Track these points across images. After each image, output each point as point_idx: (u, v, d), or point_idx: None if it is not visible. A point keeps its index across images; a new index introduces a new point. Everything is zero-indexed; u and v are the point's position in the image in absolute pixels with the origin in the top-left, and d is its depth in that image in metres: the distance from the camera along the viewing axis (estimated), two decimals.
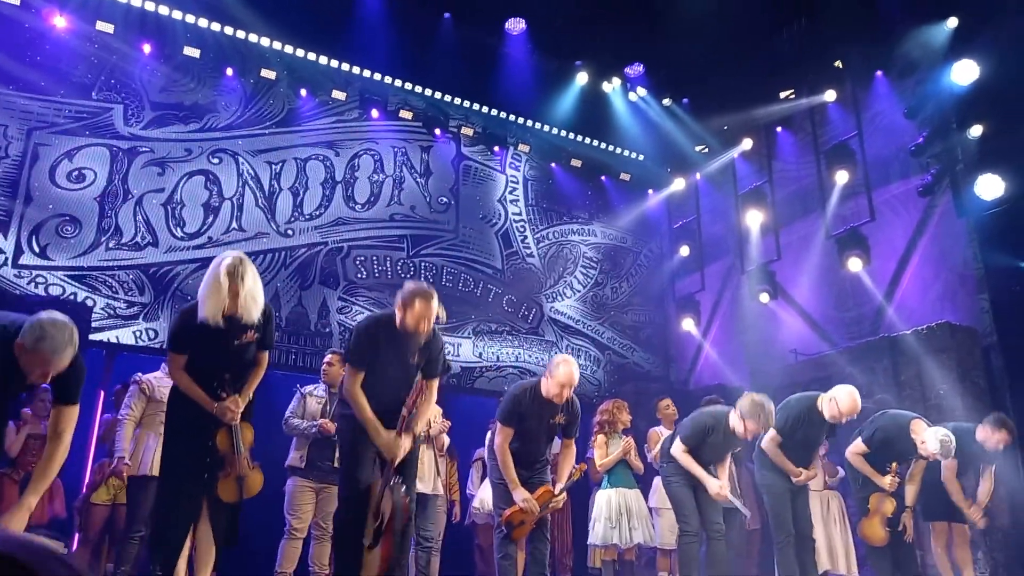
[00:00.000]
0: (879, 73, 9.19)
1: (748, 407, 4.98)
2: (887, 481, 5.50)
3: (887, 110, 9.10)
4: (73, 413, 3.18)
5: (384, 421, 3.78)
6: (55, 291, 7.71)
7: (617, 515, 5.97)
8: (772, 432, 5.36)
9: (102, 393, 7.43)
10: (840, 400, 5.32)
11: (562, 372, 4.53)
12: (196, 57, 8.90)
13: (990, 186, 7.76)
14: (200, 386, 3.62)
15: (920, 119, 8.61)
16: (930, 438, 5.36)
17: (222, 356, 3.65)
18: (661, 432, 6.64)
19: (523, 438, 4.59)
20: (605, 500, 6.09)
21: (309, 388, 5.91)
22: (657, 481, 6.50)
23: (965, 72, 8.04)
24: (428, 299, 3.77)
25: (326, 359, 5.98)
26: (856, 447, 5.72)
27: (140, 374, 5.51)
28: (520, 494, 4.41)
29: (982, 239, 7.90)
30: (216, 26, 8.89)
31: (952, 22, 8.38)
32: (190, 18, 8.75)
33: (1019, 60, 7.59)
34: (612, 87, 10.78)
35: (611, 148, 11.67)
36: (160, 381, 5.34)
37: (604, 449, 6.18)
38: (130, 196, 8.38)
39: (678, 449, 5.24)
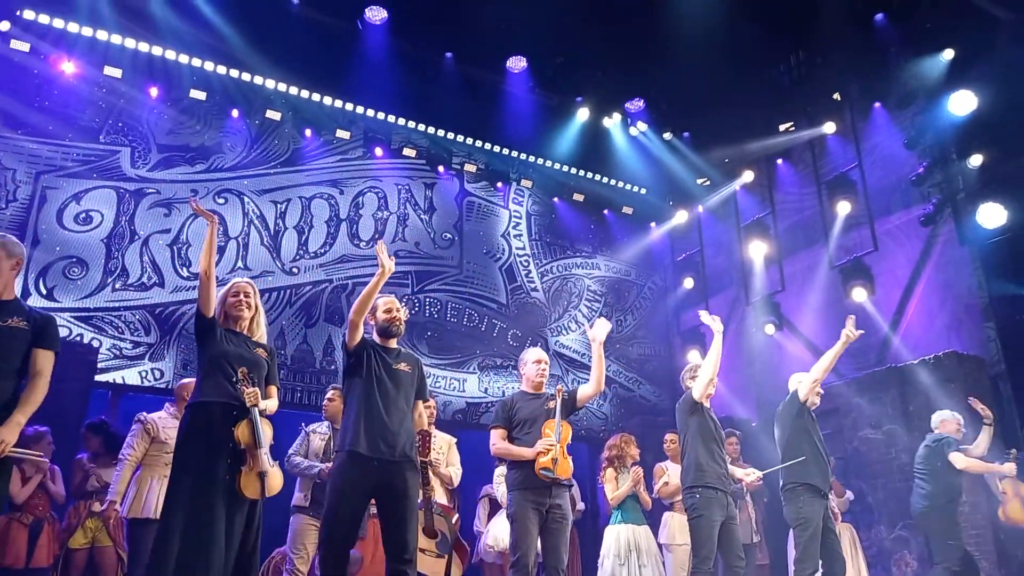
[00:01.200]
0: (878, 104, 9.28)
1: None
2: (1009, 467, 5.87)
3: (886, 141, 9.17)
4: (48, 357, 3.46)
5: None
6: (62, 333, 7.71)
7: (626, 552, 5.87)
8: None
9: None
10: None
11: (529, 354, 4.84)
12: (202, 99, 9.03)
13: (992, 215, 7.79)
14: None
15: (920, 149, 8.68)
16: None
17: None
18: (667, 467, 6.58)
19: (520, 435, 4.56)
20: (614, 537, 6.01)
21: (313, 426, 5.88)
22: (666, 516, 6.42)
23: (963, 102, 8.13)
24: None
25: (327, 395, 5.94)
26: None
27: (144, 413, 5.28)
28: (533, 449, 4.42)
29: (986, 267, 7.91)
30: (222, 69, 9.03)
31: (948, 54, 8.49)
32: (196, 62, 8.89)
33: (1015, 90, 7.67)
34: (613, 122, 10.89)
35: (613, 182, 11.75)
36: (164, 421, 5.15)
37: (614, 483, 6.10)
38: (137, 237, 8.45)
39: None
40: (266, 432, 3.65)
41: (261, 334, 4.02)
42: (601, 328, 4.72)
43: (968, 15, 8.17)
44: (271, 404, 3.88)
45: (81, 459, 5.56)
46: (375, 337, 4.21)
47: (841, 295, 9.15)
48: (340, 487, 3.76)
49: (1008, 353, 7.59)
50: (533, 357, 4.82)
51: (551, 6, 8.41)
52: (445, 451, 5.83)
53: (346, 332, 4.06)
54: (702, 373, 5.13)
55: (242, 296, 3.96)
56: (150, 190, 8.67)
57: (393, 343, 4.26)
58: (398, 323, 4.18)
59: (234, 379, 3.66)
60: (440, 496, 5.77)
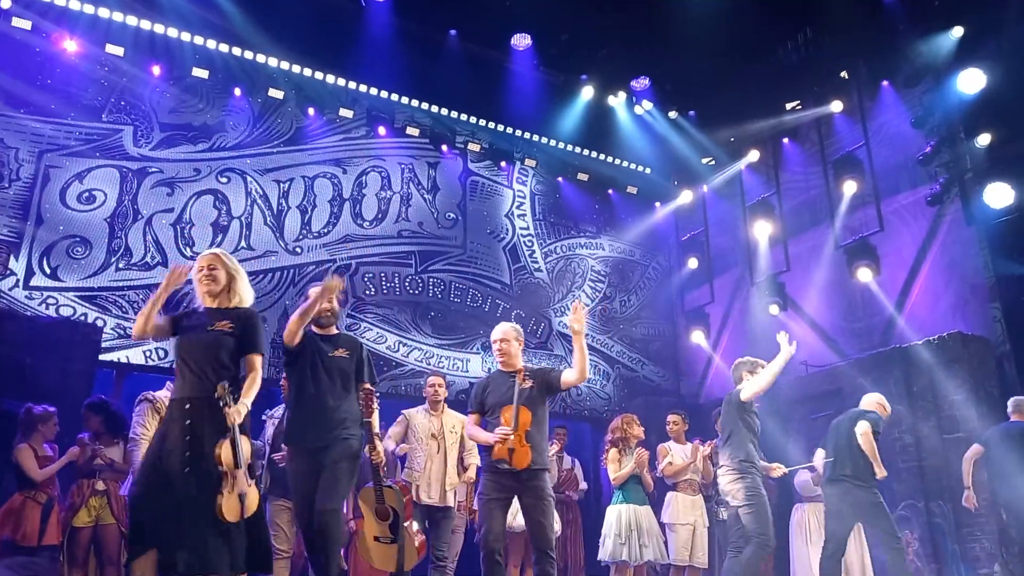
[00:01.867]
0: (885, 83, 9.19)
1: None
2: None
3: (894, 120, 9.09)
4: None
5: None
6: (66, 312, 7.76)
7: (627, 531, 5.88)
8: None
9: None
10: None
11: (493, 332, 4.77)
12: (205, 78, 8.98)
13: (999, 194, 7.73)
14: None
15: (927, 128, 8.60)
16: None
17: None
18: (671, 447, 6.58)
19: (491, 419, 4.44)
20: (615, 516, 6.02)
21: (273, 411, 5.64)
22: (670, 496, 6.43)
23: (972, 81, 8.04)
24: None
25: (281, 381, 5.34)
26: None
27: (151, 392, 5.24)
28: (490, 437, 4.29)
29: (992, 248, 7.86)
30: (224, 47, 8.97)
31: (957, 31, 8.39)
32: (199, 40, 8.84)
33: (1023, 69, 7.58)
34: (618, 101, 10.81)
35: (618, 162, 11.68)
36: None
37: (617, 464, 6.10)
38: (140, 216, 8.44)
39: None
40: (245, 449, 3.49)
41: (240, 299, 3.87)
42: (577, 318, 4.45)
43: None
44: (250, 393, 3.60)
45: (82, 438, 5.58)
46: (312, 327, 4.27)
47: (846, 275, 9.11)
48: (291, 482, 4.12)
49: (1013, 333, 7.56)
50: (494, 335, 4.70)
51: None
52: (458, 430, 5.76)
53: (284, 334, 4.17)
54: (757, 381, 5.39)
55: (205, 270, 3.87)
56: (153, 169, 8.65)
57: (332, 330, 4.37)
58: (327, 313, 4.26)
59: (200, 376, 3.58)
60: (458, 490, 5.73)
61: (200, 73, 8.94)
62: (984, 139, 8.07)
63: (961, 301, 8.09)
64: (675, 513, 6.28)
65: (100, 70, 8.56)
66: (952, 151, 8.32)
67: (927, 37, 8.57)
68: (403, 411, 5.82)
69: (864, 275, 8.87)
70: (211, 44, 8.91)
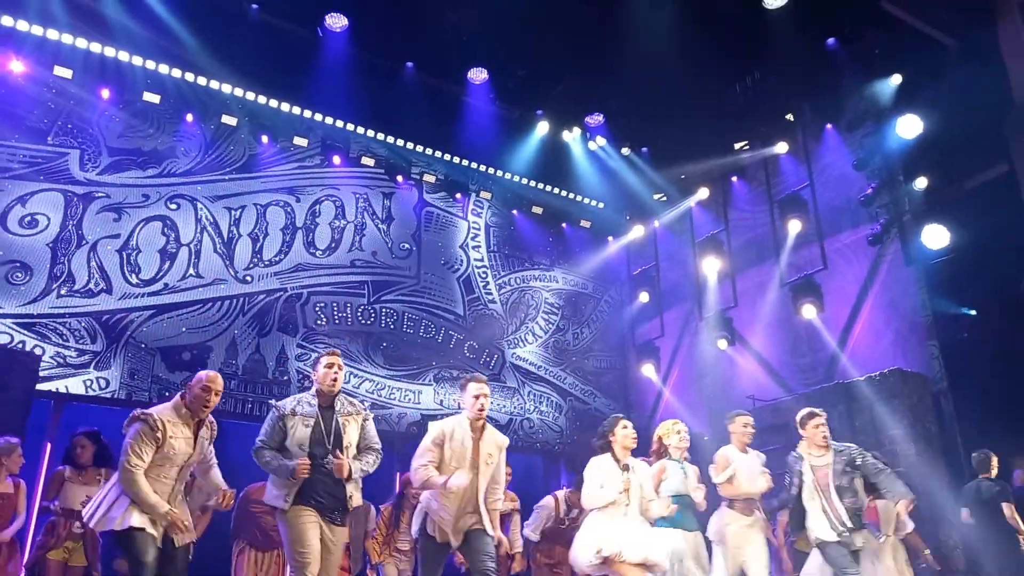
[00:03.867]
0: (829, 126, 9.53)
1: None
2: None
3: (837, 161, 9.41)
4: None
5: None
6: (2, 339, 7.49)
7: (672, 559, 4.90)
8: None
9: (48, 445, 7.20)
10: None
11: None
12: (156, 103, 8.85)
13: (936, 236, 8.03)
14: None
15: (868, 171, 8.93)
16: None
17: None
18: (731, 457, 5.55)
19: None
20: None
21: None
22: (723, 512, 5.45)
23: (910, 126, 8.38)
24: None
25: None
26: None
27: (144, 410, 4.11)
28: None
29: (930, 287, 8.15)
30: (177, 72, 8.87)
31: (896, 78, 8.76)
32: (150, 64, 8.71)
33: (959, 115, 7.93)
34: (572, 136, 10.96)
35: (572, 196, 11.83)
36: (173, 428, 4.08)
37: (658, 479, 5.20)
38: (84, 242, 8.24)
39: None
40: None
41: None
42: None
43: (915, 41, 8.44)
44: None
45: (62, 471, 5.32)
46: None
47: (792, 312, 9.33)
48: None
49: (950, 371, 7.81)
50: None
51: (513, 19, 8.45)
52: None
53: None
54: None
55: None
56: (99, 194, 8.46)
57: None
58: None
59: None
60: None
61: (151, 98, 8.81)
62: (921, 182, 8.41)
63: (901, 339, 8.34)
64: (720, 531, 5.37)
65: (47, 92, 8.39)
66: (892, 193, 8.64)
67: (868, 83, 8.92)
68: None
69: (808, 312, 9.10)
70: (163, 69, 8.80)
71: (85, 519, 4.09)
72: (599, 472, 4.70)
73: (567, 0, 8.34)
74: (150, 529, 3.92)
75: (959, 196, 8.16)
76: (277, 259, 9.38)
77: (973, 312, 8.00)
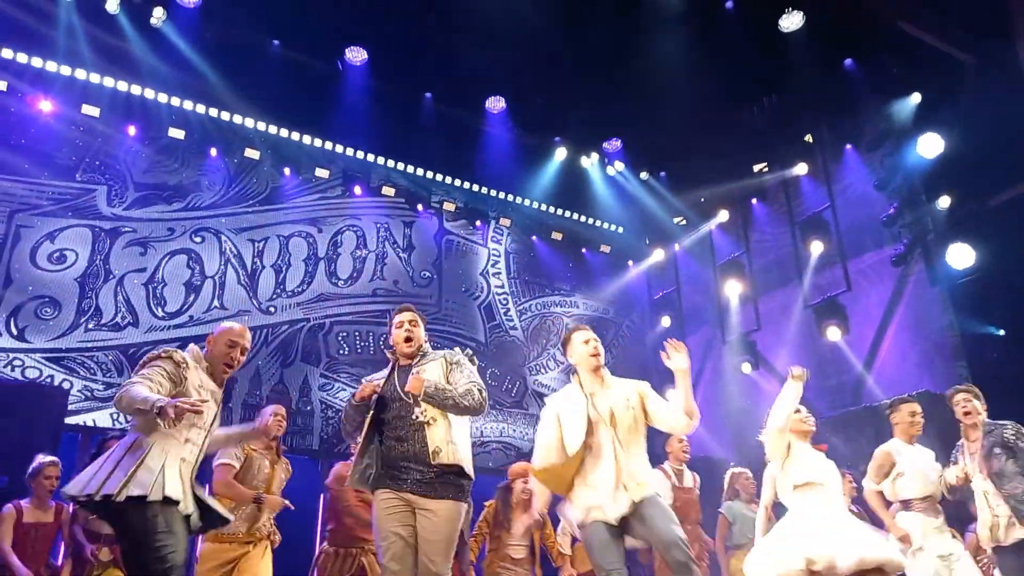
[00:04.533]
0: (848, 146, 9.48)
1: None
2: None
3: (858, 182, 9.35)
4: None
5: None
6: (32, 374, 7.61)
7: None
8: None
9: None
10: None
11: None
12: (181, 138, 9.02)
13: (961, 255, 7.93)
14: None
15: (890, 191, 8.86)
16: None
17: None
18: (898, 451, 4.88)
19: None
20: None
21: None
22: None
23: (930, 145, 8.32)
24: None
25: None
26: None
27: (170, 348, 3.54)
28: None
29: (956, 307, 8.03)
30: (201, 108, 9.06)
31: (915, 97, 8.72)
32: (175, 100, 8.91)
33: (980, 132, 7.87)
34: (591, 162, 11.02)
35: (591, 221, 11.85)
36: (196, 375, 3.41)
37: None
38: (111, 276, 8.37)
39: None
40: None
41: None
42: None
43: (934, 60, 8.42)
44: None
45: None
46: None
47: (816, 334, 9.23)
48: None
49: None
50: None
51: (530, 48, 8.57)
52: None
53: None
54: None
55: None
56: (126, 229, 8.61)
57: None
58: None
59: None
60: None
61: (176, 133, 8.99)
62: (944, 201, 8.32)
63: (927, 360, 8.21)
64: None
65: (75, 130, 8.59)
66: (914, 213, 8.56)
67: (887, 103, 8.89)
68: None
69: (833, 334, 9.00)
70: (188, 105, 8.99)
71: (84, 489, 2.96)
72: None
73: (582, 27, 8.42)
74: (184, 503, 3.07)
75: (983, 214, 8.07)
76: (300, 290, 9.46)
77: (1002, 332, 7.87)
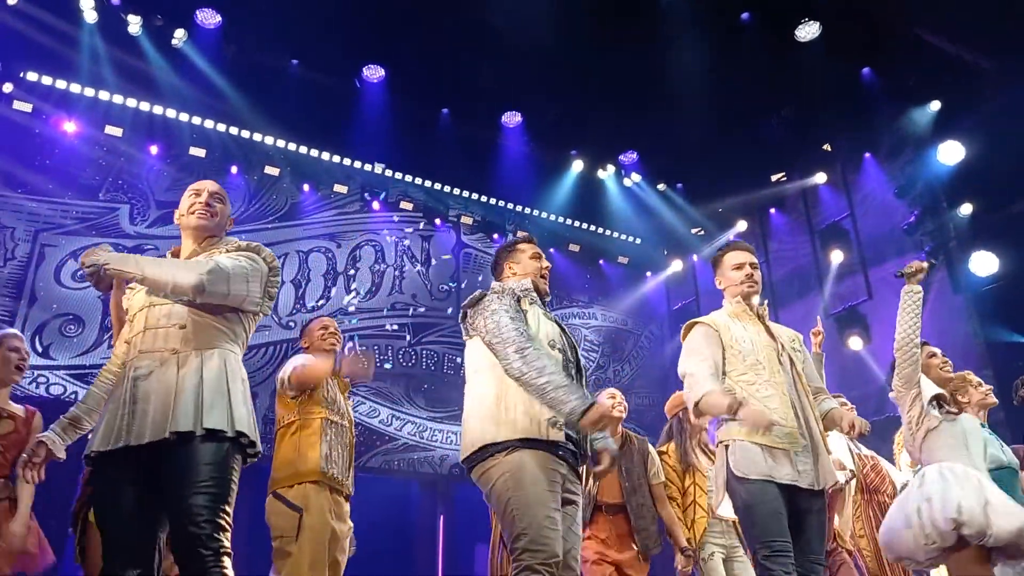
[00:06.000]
0: (867, 155, 9.44)
1: None
2: None
3: (878, 190, 9.30)
4: None
5: None
6: (56, 390, 7.70)
7: None
8: None
9: None
10: None
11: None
12: (202, 156, 9.14)
13: (984, 263, 7.86)
14: None
15: (910, 198, 8.80)
16: None
17: None
18: None
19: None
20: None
21: None
22: None
23: (951, 152, 8.28)
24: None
25: None
26: None
27: None
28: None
29: (981, 315, 7.95)
30: (222, 127, 9.17)
31: (935, 105, 8.68)
32: (196, 120, 9.04)
33: (1001, 139, 7.81)
34: (607, 174, 11.03)
35: (608, 233, 11.84)
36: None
37: None
38: None
39: None
40: None
41: None
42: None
43: (952, 66, 8.38)
44: None
45: None
46: None
47: (838, 344, 9.14)
48: None
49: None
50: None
51: (545, 63, 8.61)
52: None
53: None
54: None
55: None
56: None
57: None
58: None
59: None
60: None
61: (197, 152, 9.11)
62: (966, 209, 8.26)
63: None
64: None
65: (98, 150, 8.72)
66: (936, 220, 8.49)
67: (906, 110, 8.86)
68: None
69: (855, 343, 8.92)
70: (208, 124, 9.11)
71: None
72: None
73: (597, 40, 8.45)
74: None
75: (1006, 221, 7.99)
76: (319, 304, 9.52)
77: None
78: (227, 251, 2.75)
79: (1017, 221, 7.97)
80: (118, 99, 8.62)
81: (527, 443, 2.65)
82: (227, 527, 2.36)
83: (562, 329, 3.06)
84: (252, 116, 9.03)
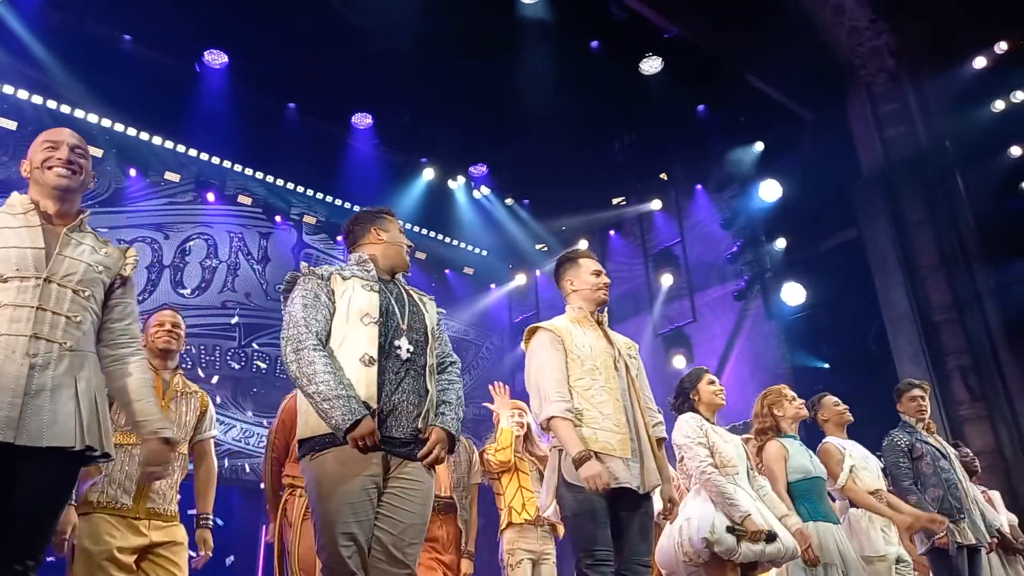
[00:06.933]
0: (699, 186, 10.07)
1: None
2: None
3: (706, 220, 9.93)
4: None
5: None
6: None
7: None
8: None
9: None
10: None
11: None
12: (12, 129, 8.25)
13: (793, 293, 8.59)
14: None
15: (734, 230, 9.48)
16: None
17: None
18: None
19: None
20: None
21: None
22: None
23: (770, 190, 9.00)
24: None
25: None
26: None
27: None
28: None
29: (789, 341, 8.68)
30: (38, 99, 8.33)
31: (759, 145, 9.40)
32: (8, 89, 8.16)
33: (814, 182, 8.60)
34: (457, 184, 11.06)
35: (455, 243, 11.87)
36: None
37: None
38: None
39: None
40: None
41: None
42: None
43: (776, 112, 9.12)
44: None
45: None
46: None
47: (664, 361, 9.65)
48: None
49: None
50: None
51: (402, 69, 8.52)
52: None
53: None
54: None
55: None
56: None
57: None
58: None
59: None
60: None
61: (8, 124, 8.21)
62: (781, 243, 9.01)
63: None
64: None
65: None
66: (755, 252, 9.20)
67: (734, 148, 9.53)
68: None
69: (679, 362, 9.46)
70: (22, 94, 8.24)
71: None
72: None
73: (453, 52, 8.46)
74: None
75: (814, 257, 8.79)
76: (141, 298, 8.84)
77: (826, 365, 8.55)
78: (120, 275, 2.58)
79: (824, 257, 8.79)
80: None
81: (333, 439, 2.44)
82: None
83: (403, 299, 2.75)
84: (74, 91, 8.26)
